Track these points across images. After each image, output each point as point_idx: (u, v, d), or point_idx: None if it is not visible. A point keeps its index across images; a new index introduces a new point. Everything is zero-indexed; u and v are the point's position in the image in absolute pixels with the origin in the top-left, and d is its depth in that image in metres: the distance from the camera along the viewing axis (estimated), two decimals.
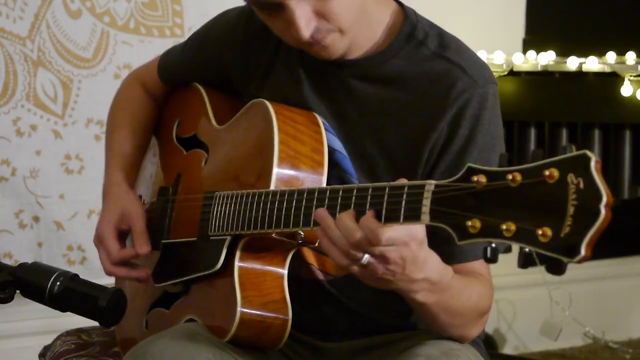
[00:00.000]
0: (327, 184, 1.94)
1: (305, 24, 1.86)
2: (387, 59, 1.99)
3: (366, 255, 1.67)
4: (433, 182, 1.60)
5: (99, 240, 2.14)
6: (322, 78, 2.03)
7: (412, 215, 1.61)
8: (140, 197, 2.26)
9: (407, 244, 1.66)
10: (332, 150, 1.99)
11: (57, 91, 3.23)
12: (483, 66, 1.99)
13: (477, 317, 1.92)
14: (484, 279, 1.93)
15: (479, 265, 1.94)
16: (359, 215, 1.67)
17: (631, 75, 3.12)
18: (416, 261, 1.69)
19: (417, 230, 1.68)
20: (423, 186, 1.60)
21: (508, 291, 3.96)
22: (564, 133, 3.28)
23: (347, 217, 1.68)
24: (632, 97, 3.13)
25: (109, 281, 2.11)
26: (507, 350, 4.01)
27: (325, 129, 1.99)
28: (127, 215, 2.13)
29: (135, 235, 2.11)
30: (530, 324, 3.93)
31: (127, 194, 2.18)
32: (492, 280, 1.97)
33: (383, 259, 1.67)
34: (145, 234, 2.11)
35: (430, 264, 1.73)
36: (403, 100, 1.97)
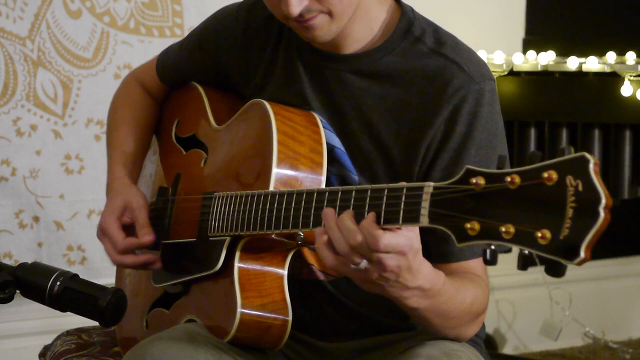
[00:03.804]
0: (327, 181, 1.95)
1: (298, 1, 1.86)
2: (383, 54, 1.99)
3: (364, 261, 1.66)
4: (432, 184, 1.60)
5: (102, 232, 2.12)
6: (320, 72, 2.03)
7: (411, 217, 1.61)
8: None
9: (404, 254, 1.66)
10: (331, 147, 1.99)
11: (57, 91, 3.23)
12: (479, 63, 1.98)
13: (472, 318, 1.91)
14: (479, 280, 1.93)
15: (475, 264, 1.93)
16: (358, 217, 1.67)
17: (631, 75, 3.12)
18: (410, 270, 1.69)
19: (415, 240, 1.67)
20: (422, 188, 1.60)
21: (508, 291, 3.96)
22: (564, 133, 3.28)
23: (348, 218, 1.67)
24: (632, 97, 3.13)
25: (109, 281, 2.11)
26: (507, 350, 4.01)
27: (324, 127, 1.99)
28: (130, 207, 2.12)
29: (138, 226, 2.10)
30: (530, 324, 3.93)
31: (129, 188, 2.17)
32: (488, 280, 1.96)
33: (380, 265, 1.66)
34: (148, 225, 2.10)
35: (423, 272, 1.72)
36: (398, 96, 1.97)
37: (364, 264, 1.66)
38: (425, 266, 1.73)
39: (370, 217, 1.65)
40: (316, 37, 1.92)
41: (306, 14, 1.88)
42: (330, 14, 1.89)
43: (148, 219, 2.11)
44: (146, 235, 2.08)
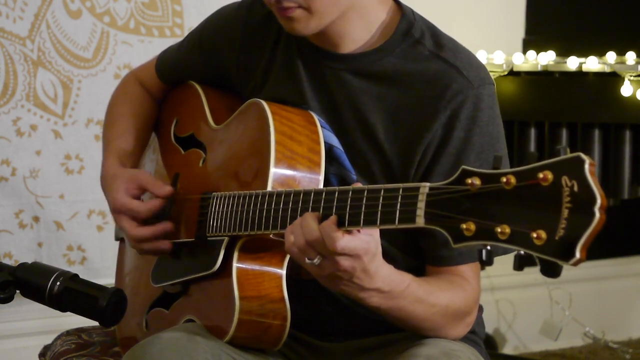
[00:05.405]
0: (326, 181, 1.95)
1: None
2: (382, 55, 2.00)
3: (318, 257, 1.73)
4: (427, 184, 1.60)
5: (118, 210, 2.09)
6: (319, 71, 2.03)
7: (407, 218, 1.62)
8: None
9: (359, 257, 1.72)
10: (330, 146, 1.99)
11: (57, 91, 3.23)
12: (479, 66, 1.98)
13: (451, 320, 1.93)
14: (462, 282, 1.94)
15: (465, 268, 1.95)
16: (354, 217, 1.70)
17: (631, 75, 3.12)
18: (367, 272, 1.75)
19: (372, 243, 1.73)
20: (417, 189, 1.61)
21: (508, 291, 3.96)
22: (564, 133, 3.28)
23: (310, 217, 1.74)
24: (632, 97, 3.13)
25: (109, 281, 2.11)
26: (507, 350, 4.01)
27: (322, 126, 1.99)
28: (133, 178, 2.11)
29: (150, 185, 2.09)
30: (530, 324, 3.93)
31: (124, 170, 2.16)
32: (477, 283, 1.97)
33: (334, 263, 1.73)
34: (159, 180, 2.11)
35: (381, 276, 1.78)
36: (396, 97, 1.97)
37: (317, 260, 1.73)
38: (384, 269, 1.78)
39: (332, 219, 1.71)
40: (295, 30, 1.94)
41: (285, 2, 1.90)
42: (308, 9, 1.91)
43: (155, 178, 2.11)
44: (163, 187, 2.08)
